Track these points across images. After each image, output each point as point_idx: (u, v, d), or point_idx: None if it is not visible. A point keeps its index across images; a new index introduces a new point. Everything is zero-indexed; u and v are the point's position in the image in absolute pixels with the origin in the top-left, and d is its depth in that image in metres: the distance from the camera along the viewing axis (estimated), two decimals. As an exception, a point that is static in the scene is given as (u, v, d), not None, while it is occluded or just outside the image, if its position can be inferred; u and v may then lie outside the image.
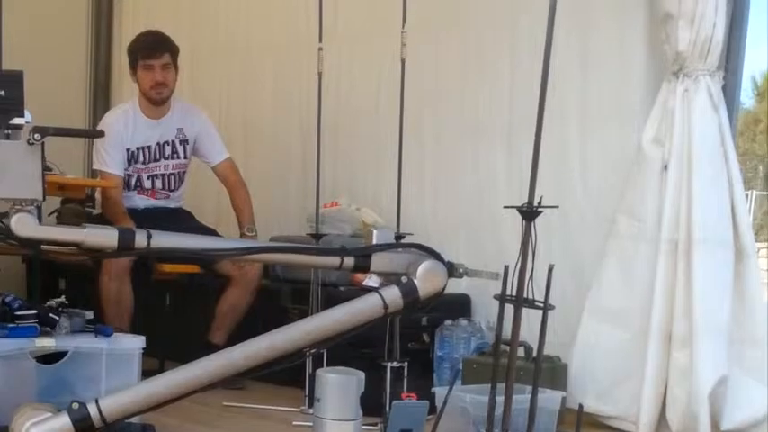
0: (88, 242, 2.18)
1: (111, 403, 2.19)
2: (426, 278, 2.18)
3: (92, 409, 2.14)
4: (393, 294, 2.18)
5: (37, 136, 2.14)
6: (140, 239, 2.17)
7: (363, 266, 2.25)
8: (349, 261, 2.24)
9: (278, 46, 4.77)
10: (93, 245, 2.19)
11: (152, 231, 2.19)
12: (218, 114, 4.85)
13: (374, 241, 2.33)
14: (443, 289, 2.22)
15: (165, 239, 2.22)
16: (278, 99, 4.83)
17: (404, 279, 2.18)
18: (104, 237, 2.18)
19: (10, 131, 2.16)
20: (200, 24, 5.23)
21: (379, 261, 2.24)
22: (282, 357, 2.29)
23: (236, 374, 2.20)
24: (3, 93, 2.17)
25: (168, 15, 5.23)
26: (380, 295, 2.18)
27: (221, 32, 5.17)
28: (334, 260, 2.26)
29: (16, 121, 2.17)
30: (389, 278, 2.25)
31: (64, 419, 2.13)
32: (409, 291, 2.17)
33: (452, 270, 2.24)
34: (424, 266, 2.18)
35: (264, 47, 4.91)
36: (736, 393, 3.18)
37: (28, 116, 2.20)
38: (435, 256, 2.22)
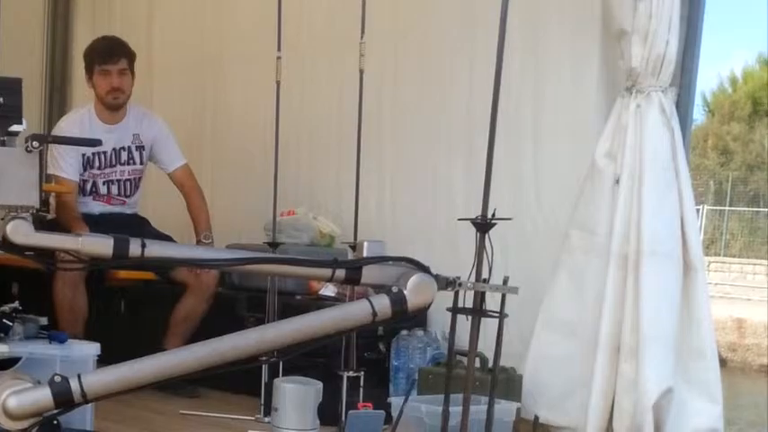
0: (84, 250, 2.17)
1: (95, 380, 2.16)
2: (417, 291, 2.20)
3: (73, 384, 2.11)
4: (383, 303, 2.20)
5: (35, 143, 2.12)
6: (134, 248, 2.16)
7: (354, 278, 2.27)
8: (340, 273, 2.26)
9: (246, 56, 4.77)
10: (89, 253, 2.18)
11: (145, 240, 2.19)
12: (190, 123, 4.85)
13: (365, 254, 2.35)
14: (431, 302, 2.24)
15: (158, 249, 2.22)
16: (245, 109, 4.83)
17: (394, 289, 2.20)
18: (99, 245, 2.17)
19: (6, 138, 2.13)
20: (170, 34, 5.22)
21: (369, 273, 2.25)
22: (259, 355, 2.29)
23: (221, 365, 2.17)
24: (1, 99, 2.14)
25: (138, 22, 5.23)
26: (370, 302, 2.20)
27: (191, 42, 5.16)
28: (326, 272, 2.27)
29: (14, 128, 2.15)
30: (378, 291, 2.27)
31: (45, 392, 2.10)
32: (398, 301, 2.20)
33: (446, 284, 2.26)
34: (415, 280, 2.21)
35: (232, 57, 4.92)
36: (680, 405, 3.22)
37: (24, 123, 2.18)
38: (424, 269, 2.24)
